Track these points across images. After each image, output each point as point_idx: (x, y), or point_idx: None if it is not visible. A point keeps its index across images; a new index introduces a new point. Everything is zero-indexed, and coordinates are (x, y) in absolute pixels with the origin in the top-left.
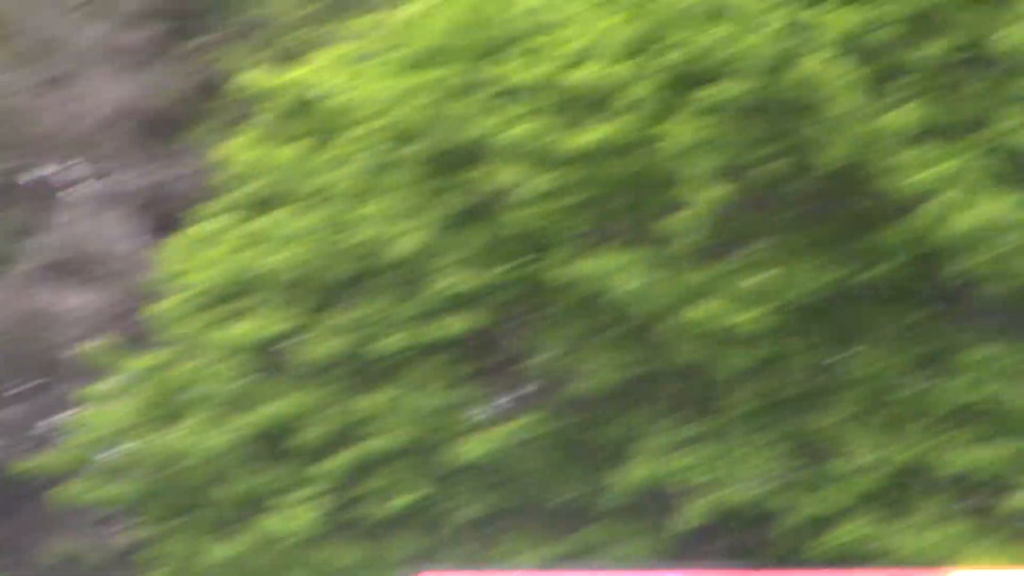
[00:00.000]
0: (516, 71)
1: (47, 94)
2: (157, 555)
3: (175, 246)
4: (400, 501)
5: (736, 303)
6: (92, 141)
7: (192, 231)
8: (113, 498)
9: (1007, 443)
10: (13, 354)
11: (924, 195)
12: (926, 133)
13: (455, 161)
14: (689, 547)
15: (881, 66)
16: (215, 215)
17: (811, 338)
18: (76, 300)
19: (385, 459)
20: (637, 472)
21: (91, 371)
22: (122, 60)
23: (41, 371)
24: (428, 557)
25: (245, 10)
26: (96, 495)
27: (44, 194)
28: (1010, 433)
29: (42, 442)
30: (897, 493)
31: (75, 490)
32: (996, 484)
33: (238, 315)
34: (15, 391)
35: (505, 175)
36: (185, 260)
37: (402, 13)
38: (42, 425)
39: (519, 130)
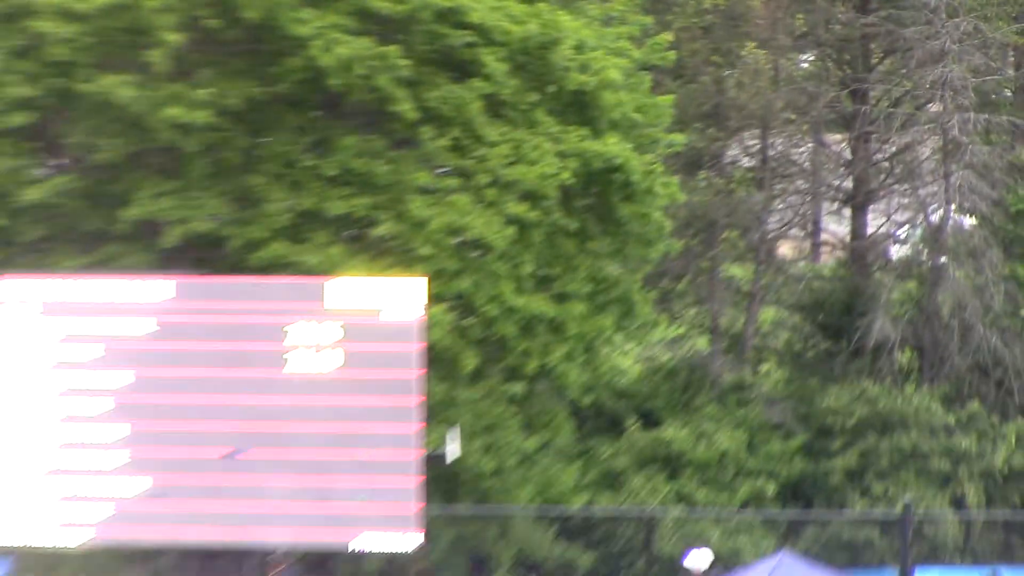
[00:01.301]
0: None
1: None
2: None
3: None
4: None
5: (193, 107)
6: None
7: None
8: None
9: (375, 195)
10: None
11: (310, 38)
12: None
13: None
14: (171, 262)
15: None
16: None
17: (242, 130)
18: None
19: None
20: (136, 211)
21: None
22: None
23: None
24: None
25: None
26: None
27: None
28: (376, 191)
29: None
30: (302, 228)
31: None
32: (365, 222)
33: None
34: None
35: None
36: None
37: None
38: None
39: None
